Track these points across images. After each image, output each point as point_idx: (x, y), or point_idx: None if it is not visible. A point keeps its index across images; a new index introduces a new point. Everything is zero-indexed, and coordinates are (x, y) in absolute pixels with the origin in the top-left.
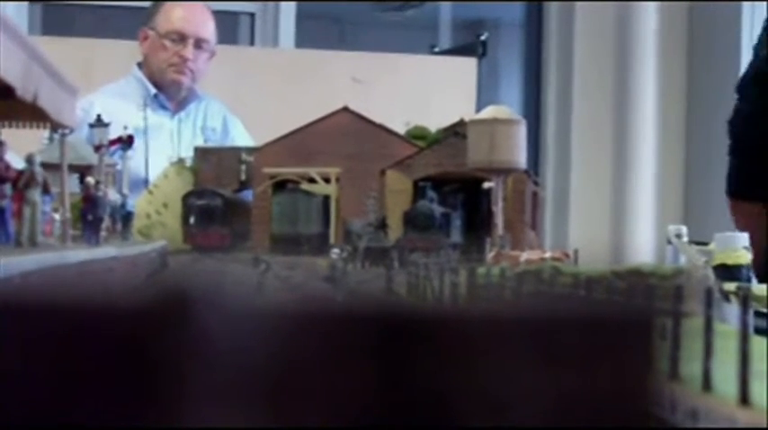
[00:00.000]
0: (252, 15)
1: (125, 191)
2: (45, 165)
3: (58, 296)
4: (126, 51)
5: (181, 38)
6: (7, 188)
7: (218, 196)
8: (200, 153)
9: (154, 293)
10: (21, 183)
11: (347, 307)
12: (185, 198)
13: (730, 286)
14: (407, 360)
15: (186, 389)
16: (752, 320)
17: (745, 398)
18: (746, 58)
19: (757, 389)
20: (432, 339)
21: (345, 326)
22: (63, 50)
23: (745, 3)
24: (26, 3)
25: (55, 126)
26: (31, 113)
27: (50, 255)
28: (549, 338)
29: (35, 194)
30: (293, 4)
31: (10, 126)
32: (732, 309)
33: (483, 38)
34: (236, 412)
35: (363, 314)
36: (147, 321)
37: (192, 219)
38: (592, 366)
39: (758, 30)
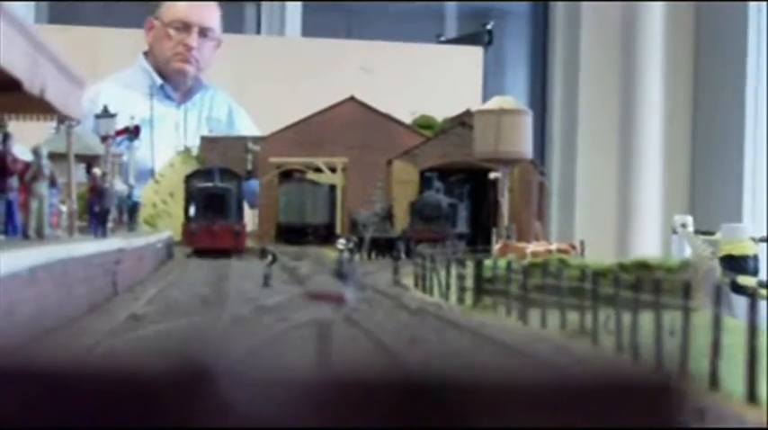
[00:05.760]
0: (258, 4)
1: (131, 181)
2: (51, 155)
3: (76, 364)
4: (132, 40)
5: (185, 26)
6: (14, 181)
7: (233, 177)
8: (207, 142)
9: (173, 363)
10: (28, 176)
11: (362, 375)
12: (188, 180)
13: (746, 280)
14: (426, 427)
15: None
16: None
17: (753, 397)
18: (753, 46)
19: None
20: (451, 407)
21: (360, 393)
22: (69, 39)
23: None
24: None
25: (62, 118)
26: (38, 106)
27: (57, 248)
28: (564, 406)
29: (42, 187)
30: None
31: (17, 119)
32: (740, 301)
33: (489, 27)
34: None
35: (380, 382)
36: (166, 392)
37: (192, 210)
38: None
39: (765, 27)
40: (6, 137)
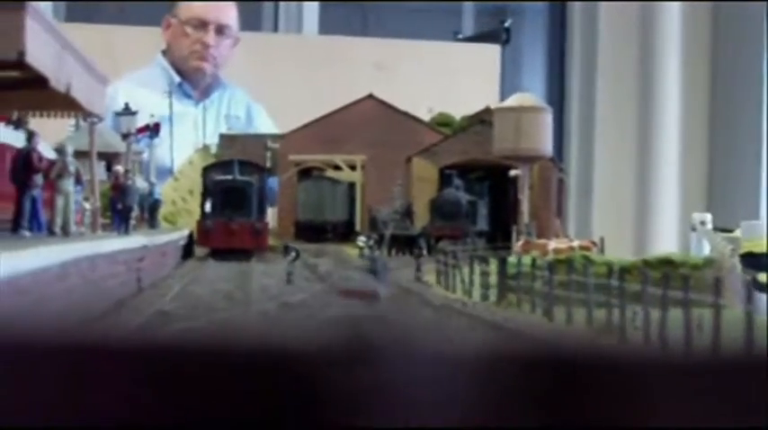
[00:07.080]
0: (275, 2)
1: (152, 179)
2: (74, 153)
3: (236, 342)
4: (149, 38)
5: (202, 24)
6: (39, 178)
7: (255, 170)
8: (226, 140)
9: (336, 338)
10: (53, 173)
11: (516, 351)
12: (205, 173)
13: (764, 277)
14: (586, 402)
15: None
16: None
17: None
18: None
19: None
20: (612, 384)
21: (518, 369)
22: (86, 36)
23: None
24: None
25: (86, 115)
26: (63, 103)
27: (84, 245)
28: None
29: (68, 184)
30: None
31: (41, 116)
32: (762, 299)
33: (507, 24)
34: None
35: (538, 358)
36: (330, 365)
37: (208, 206)
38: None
39: None
40: (31, 135)
